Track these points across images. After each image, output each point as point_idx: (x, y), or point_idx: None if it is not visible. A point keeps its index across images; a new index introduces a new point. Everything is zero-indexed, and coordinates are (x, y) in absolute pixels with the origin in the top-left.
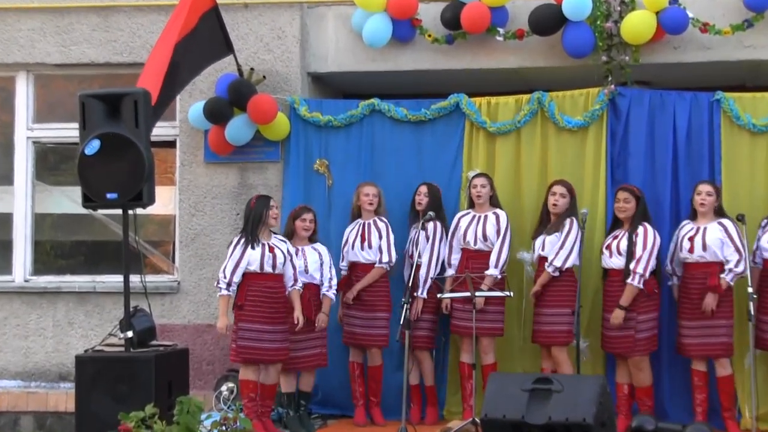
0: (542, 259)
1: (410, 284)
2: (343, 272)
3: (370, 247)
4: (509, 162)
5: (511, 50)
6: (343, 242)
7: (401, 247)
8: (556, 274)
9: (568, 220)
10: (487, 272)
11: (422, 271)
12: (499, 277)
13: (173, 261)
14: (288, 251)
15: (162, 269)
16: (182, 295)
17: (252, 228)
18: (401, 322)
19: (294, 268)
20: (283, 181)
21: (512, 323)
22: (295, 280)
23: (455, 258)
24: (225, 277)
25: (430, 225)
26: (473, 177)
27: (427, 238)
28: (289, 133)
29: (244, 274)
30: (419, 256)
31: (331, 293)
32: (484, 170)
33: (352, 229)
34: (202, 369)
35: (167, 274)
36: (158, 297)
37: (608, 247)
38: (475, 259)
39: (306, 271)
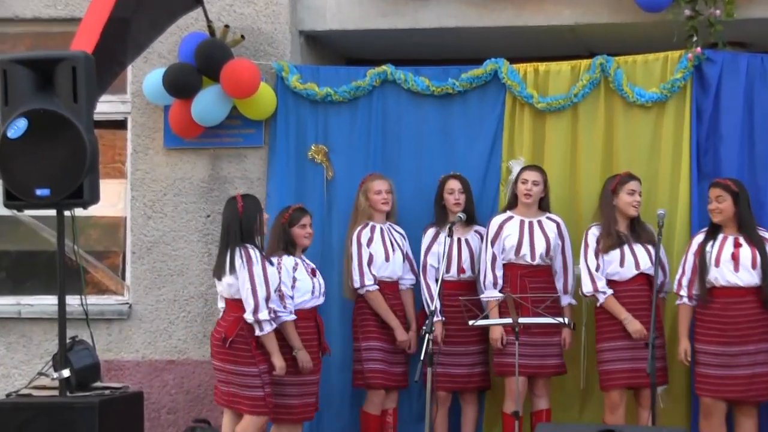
0: (637, 277)
1: (433, 306)
2: (369, 288)
3: (407, 261)
4: (562, 149)
5: (565, 2)
6: (368, 258)
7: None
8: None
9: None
10: (566, 300)
11: (483, 288)
12: (575, 303)
13: (123, 278)
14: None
15: (109, 288)
16: (135, 322)
17: (253, 238)
18: (422, 357)
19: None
20: (267, 173)
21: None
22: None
23: (500, 273)
24: (265, 306)
25: (482, 231)
26: (524, 170)
27: (462, 247)
28: (276, 111)
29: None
30: (447, 271)
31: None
32: (530, 160)
33: (370, 239)
34: (161, 419)
35: (115, 294)
36: (103, 324)
37: (734, 257)
38: (533, 278)
39: (317, 295)
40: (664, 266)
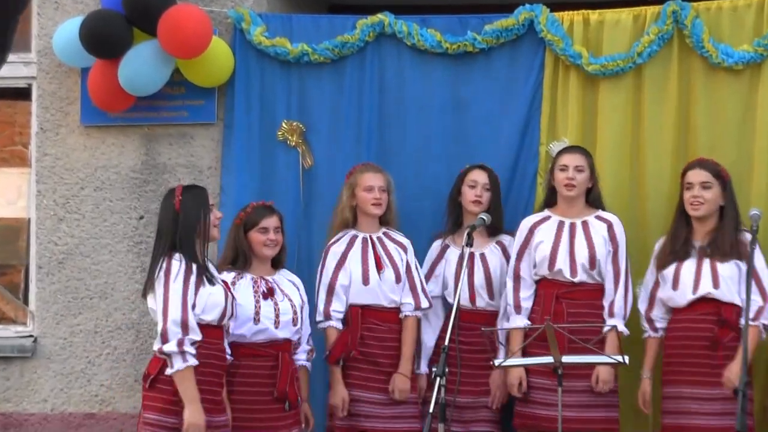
0: (700, 304)
1: (448, 341)
2: (333, 323)
3: (398, 281)
4: (621, 127)
5: None
6: (332, 270)
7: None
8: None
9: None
10: (610, 323)
11: (503, 323)
12: (627, 332)
13: (25, 301)
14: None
15: (5, 316)
16: (42, 361)
17: (191, 245)
18: (431, 410)
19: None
20: (221, 159)
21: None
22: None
23: (526, 294)
24: (178, 333)
25: (507, 241)
26: (562, 153)
27: (476, 264)
28: (233, 76)
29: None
30: (467, 290)
31: (309, 363)
32: (577, 142)
33: (347, 248)
34: None
35: (15, 324)
36: None
37: None
38: (573, 299)
39: (295, 323)
40: (763, 286)
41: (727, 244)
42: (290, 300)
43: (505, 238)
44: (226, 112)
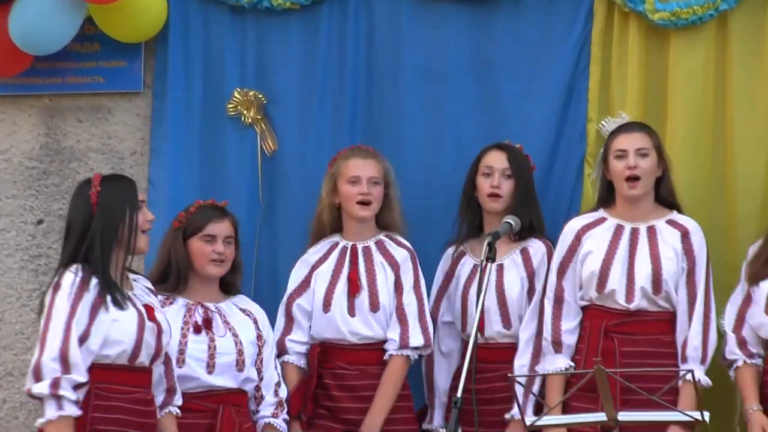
0: None
1: (461, 391)
2: (290, 357)
3: (375, 309)
4: (700, 98)
5: None
6: (294, 287)
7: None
8: None
9: None
10: (684, 368)
11: (522, 362)
12: (707, 382)
13: None
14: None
15: None
16: None
17: (102, 257)
18: None
19: (168, 359)
20: (150, 142)
21: None
22: (173, 391)
23: (571, 325)
24: (56, 370)
25: (534, 248)
26: (618, 133)
27: (529, 278)
28: (166, 27)
29: (92, 368)
30: (462, 328)
31: (281, 419)
32: (640, 117)
33: (320, 259)
34: None
35: None
36: None
37: None
38: (627, 334)
39: (240, 368)
40: None
41: None
42: (235, 336)
43: (533, 244)
44: (157, 77)
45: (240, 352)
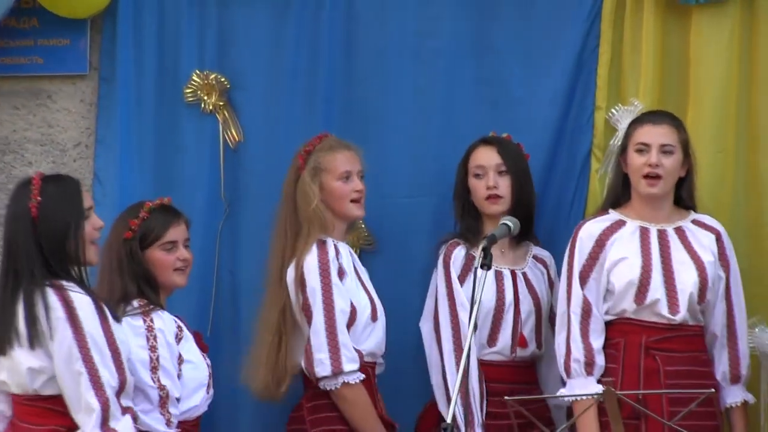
0: None
1: (451, 417)
2: (349, 379)
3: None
4: (724, 83)
5: None
6: (328, 300)
7: (406, 306)
8: None
9: None
10: (735, 392)
11: (552, 386)
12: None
13: None
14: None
15: None
16: None
17: (66, 269)
18: None
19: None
20: (96, 132)
21: None
22: (105, 420)
23: (600, 343)
24: None
25: (545, 257)
26: (639, 124)
27: (506, 288)
28: (115, 1)
29: None
30: (509, 332)
31: None
32: (655, 105)
33: (340, 265)
34: None
35: None
36: None
37: None
38: (674, 352)
39: (208, 389)
40: None
41: None
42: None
43: (542, 253)
44: (104, 58)
45: (210, 374)
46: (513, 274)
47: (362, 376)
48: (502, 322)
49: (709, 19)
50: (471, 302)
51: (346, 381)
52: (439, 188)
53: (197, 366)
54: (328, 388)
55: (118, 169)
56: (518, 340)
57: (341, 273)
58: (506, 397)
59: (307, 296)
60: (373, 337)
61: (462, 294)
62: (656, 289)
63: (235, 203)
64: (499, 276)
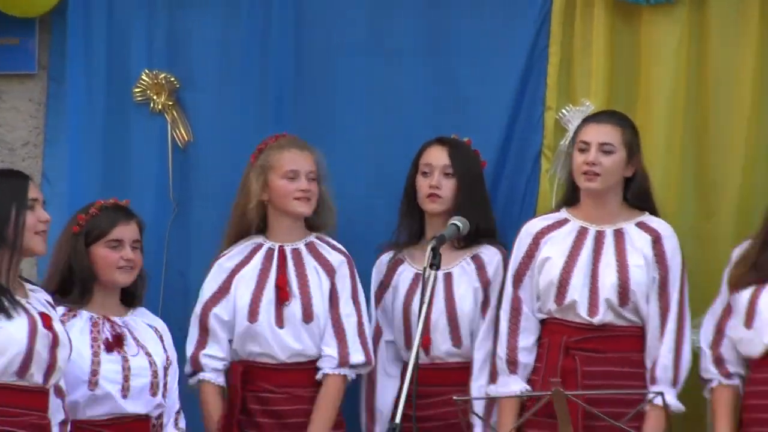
0: None
1: (400, 416)
2: (207, 375)
3: (308, 319)
4: (676, 81)
5: None
6: (206, 299)
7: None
8: None
9: None
10: (653, 390)
11: (479, 383)
12: (679, 407)
13: None
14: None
15: None
16: None
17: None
18: None
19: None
20: (44, 131)
21: None
22: (66, 424)
23: (528, 342)
24: None
25: (488, 254)
26: (583, 122)
27: (484, 290)
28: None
29: None
30: (405, 344)
31: None
32: (609, 105)
33: (241, 263)
34: None
35: None
36: None
37: None
38: (590, 351)
39: (154, 392)
40: None
41: None
42: (148, 356)
43: (486, 251)
44: (53, 57)
45: (155, 374)
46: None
47: (213, 376)
48: (410, 324)
49: (660, 19)
50: (420, 302)
51: (202, 378)
52: (392, 189)
53: (76, 363)
54: (191, 384)
55: (67, 169)
56: (422, 341)
57: (234, 272)
58: (454, 397)
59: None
60: (249, 338)
61: (381, 311)
62: (575, 291)
63: (184, 203)
64: (416, 278)
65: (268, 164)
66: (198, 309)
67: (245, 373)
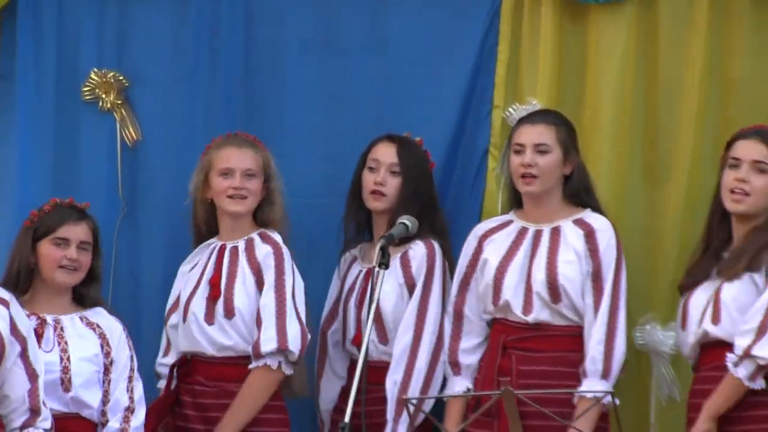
0: (711, 349)
1: (350, 414)
2: (160, 382)
3: (229, 315)
4: (622, 79)
5: None
6: (167, 307)
7: (317, 310)
8: (757, 384)
9: None
10: (586, 385)
11: (394, 378)
12: (610, 401)
13: None
14: (19, 330)
15: None
16: None
17: None
18: None
19: (32, 375)
20: None
21: None
22: (37, 412)
23: (471, 344)
24: None
25: (414, 249)
26: (519, 124)
27: (409, 287)
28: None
29: None
30: (343, 340)
31: None
32: (552, 104)
33: (190, 268)
34: None
35: None
36: None
37: None
38: (526, 350)
39: (66, 387)
40: None
41: (748, 254)
42: (63, 352)
43: (414, 246)
44: (2, 55)
45: (65, 370)
46: (368, 272)
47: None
48: (346, 322)
49: (608, 18)
50: (369, 301)
51: (159, 387)
52: (343, 186)
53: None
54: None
55: (17, 169)
56: (353, 338)
57: (186, 275)
58: (405, 397)
59: None
60: (183, 335)
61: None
62: (509, 291)
63: (133, 203)
64: (359, 276)
65: (208, 162)
66: (165, 317)
67: (181, 366)
